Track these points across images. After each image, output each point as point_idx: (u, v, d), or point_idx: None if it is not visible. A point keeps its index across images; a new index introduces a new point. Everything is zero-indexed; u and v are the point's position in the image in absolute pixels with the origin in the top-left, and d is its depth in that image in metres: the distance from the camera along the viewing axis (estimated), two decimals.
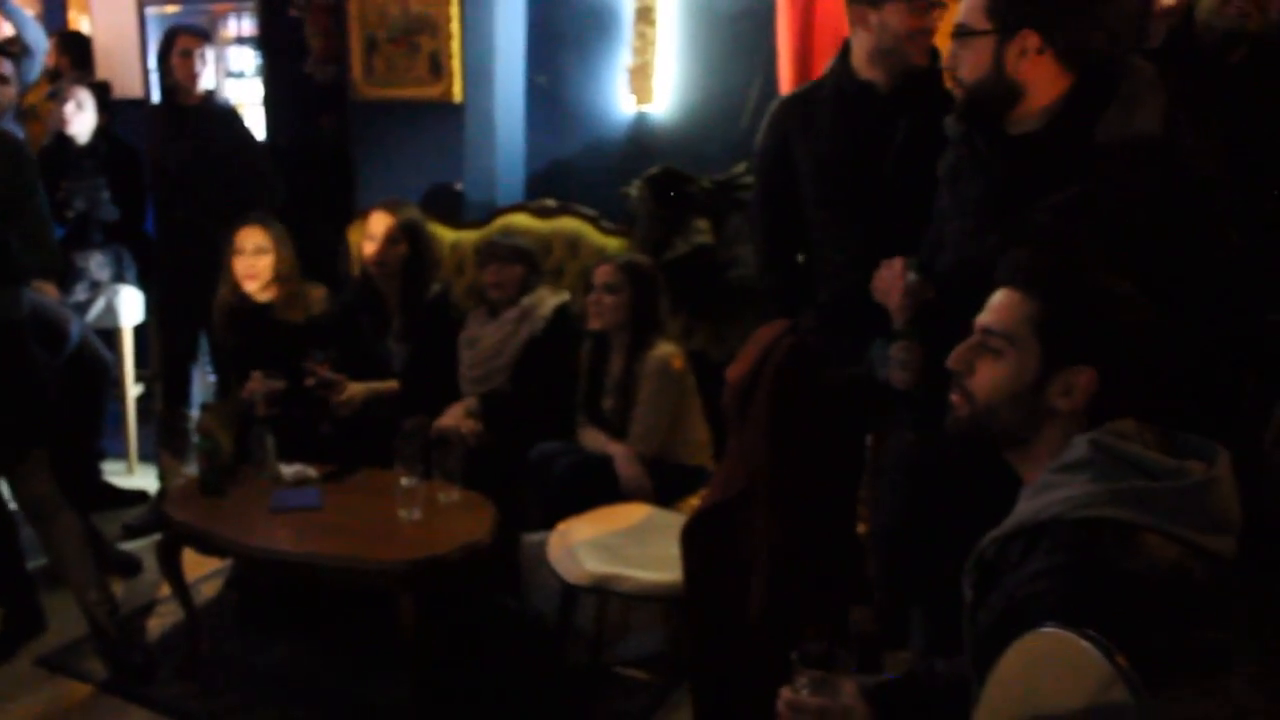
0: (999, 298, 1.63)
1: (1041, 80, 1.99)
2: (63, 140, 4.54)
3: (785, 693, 1.65)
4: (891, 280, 2.19)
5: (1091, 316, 1.55)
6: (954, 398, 1.66)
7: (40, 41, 4.44)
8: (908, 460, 2.24)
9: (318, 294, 3.92)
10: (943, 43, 2.31)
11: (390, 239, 3.77)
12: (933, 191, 2.26)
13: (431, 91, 4.52)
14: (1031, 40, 1.96)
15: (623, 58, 4.31)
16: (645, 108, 4.28)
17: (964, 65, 2.03)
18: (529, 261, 3.75)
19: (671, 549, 2.69)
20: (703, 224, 3.68)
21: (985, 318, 1.63)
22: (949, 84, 2.12)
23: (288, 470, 3.39)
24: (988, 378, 1.61)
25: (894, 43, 2.50)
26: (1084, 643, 1.27)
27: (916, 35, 2.50)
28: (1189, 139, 1.98)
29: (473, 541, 2.97)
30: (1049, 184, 1.97)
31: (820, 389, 2.41)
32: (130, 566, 3.87)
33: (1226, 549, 1.43)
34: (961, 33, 2.03)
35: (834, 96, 2.63)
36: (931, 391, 1.94)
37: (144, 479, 4.71)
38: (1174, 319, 1.83)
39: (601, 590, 2.89)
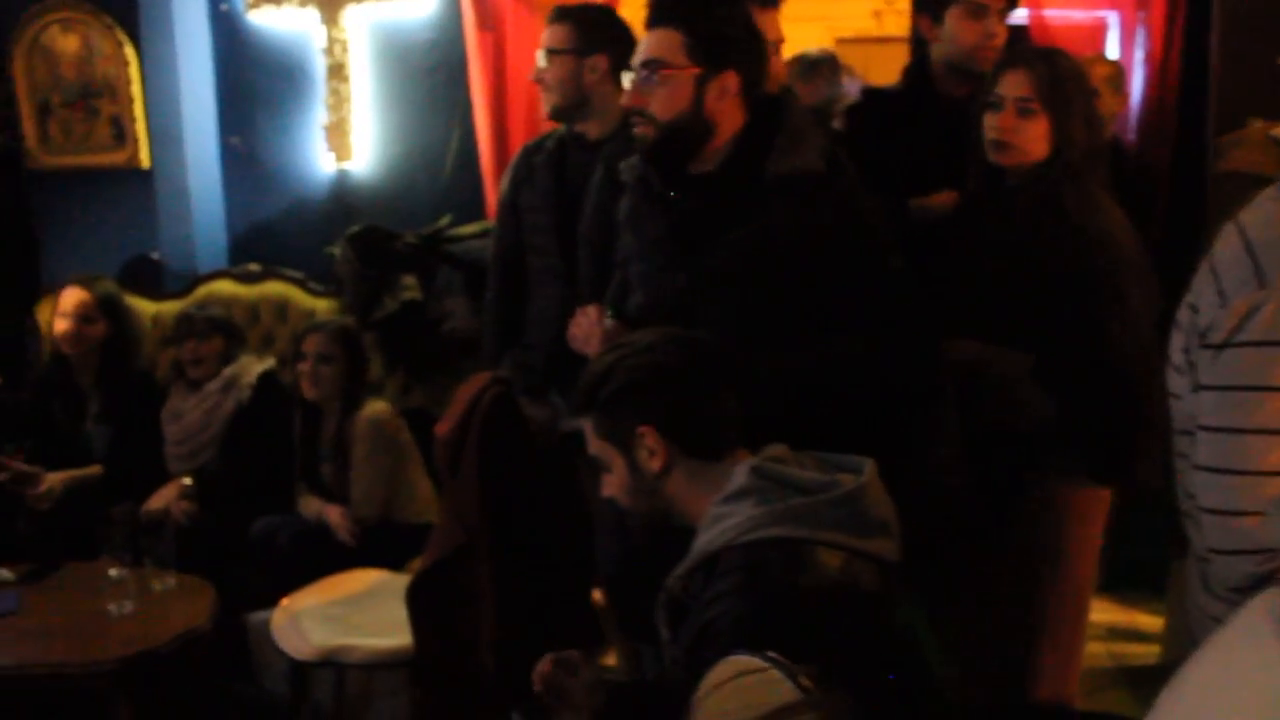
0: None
1: (728, 119, 2.04)
2: None
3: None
4: (588, 327, 2.22)
5: (611, 397, 1.70)
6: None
7: None
8: (615, 506, 2.30)
9: None
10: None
11: (85, 316, 3.59)
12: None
13: (116, 158, 4.32)
14: (732, 81, 2.01)
15: (319, 115, 4.26)
16: (345, 165, 4.24)
17: (657, 102, 2.02)
18: (228, 331, 3.65)
19: (401, 612, 2.65)
20: (410, 280, 3.68)
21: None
22: (637, 123, 2.08)
23: None
24: (613, 492, 1.75)
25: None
26: (766, 664, 1.34)
27: None
28: (849, 173, 2.13)
29: (191, 629, 2.84)
30: (727, 220, 2.05)
31: (528, 436, 2.45)
32: None
33: (887, 550, 1.56)
34: (655, 68, 2.01)
35: (555, 147, 2.71)
36: None
37: None
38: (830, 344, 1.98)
39: (333, 663, 2.82)
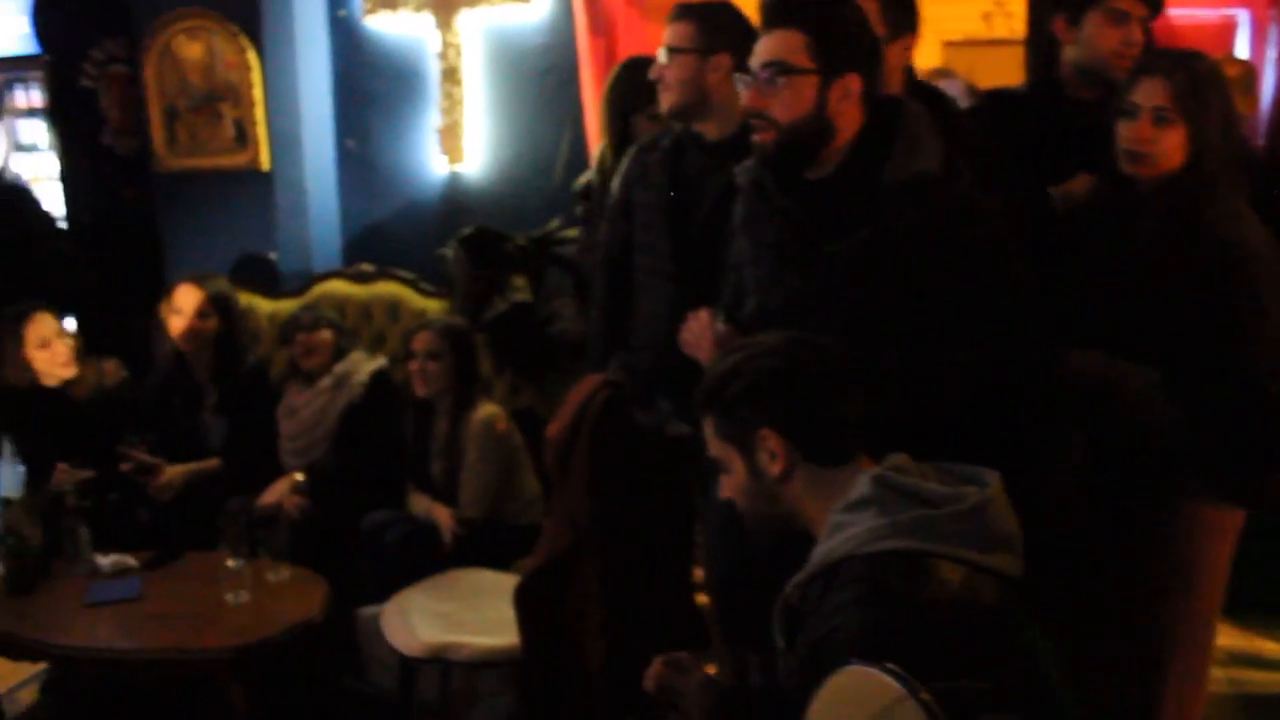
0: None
1: (848, 123, 2.01)
2: None
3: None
4: (700, 331, 2.20)
5: (733, 396, 1.67)
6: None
7: None
8: (728, 513, 2.28)
9: (110, 366, 3.81)
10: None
11: (200, 313, 3.68)
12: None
13: (238, 160, 4.45)
14: (855, 83, 1.98)
15: (432, 118, 4.32)
16: (457, 167, 4.30)
17: (779, 104, 1.99)
18: (335, 326, 3.71)
19: (508, 612, 2.68)
20: (520, 281, 3.70)
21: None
22: (758, 126, 2.04)
23: (104, 561, 3.24)
24: (734, 495, 1.72)
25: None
26: (886, 676, 1.32)
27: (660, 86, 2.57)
28: (967, 177, 2.08)
29: (304, 620, 2.89)
30: (843, 225, 2.02)
31: (638, 440, 2.44)
32: None
33: (1009, 566, 1.52)
34: (778, 70, 1.98)
35: (672, 144, 2.67)
36: None
37: None
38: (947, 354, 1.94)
39: (440, 660, 2.85)
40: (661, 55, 2.58)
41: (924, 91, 2.45)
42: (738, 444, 1.67)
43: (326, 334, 3.66)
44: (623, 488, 2.43)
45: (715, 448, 1.72)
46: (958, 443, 1.74)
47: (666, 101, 2.58)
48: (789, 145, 2.01)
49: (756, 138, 2.05)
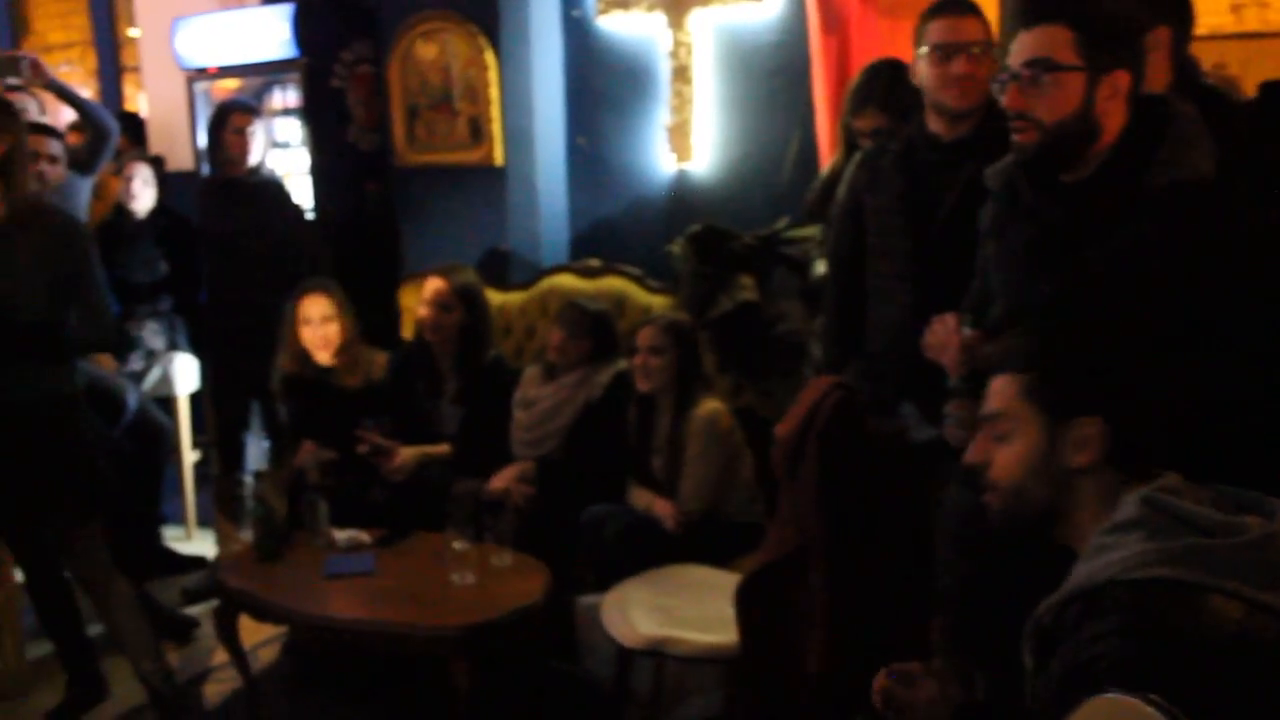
0: (992, 385, 1.62)
1: (1113, 122, 1.93)
2: (121, 214, 4.65)
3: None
4: (945, 336, 2.15)
5: (1076, 366, 1.55)
6: (986, 497, 1.65)
7: (115, 125, 4.62)
8: (964, 520, 2.20)
9: (380, 359, 3.96)
10: None
11: (445, 305, 3.80)
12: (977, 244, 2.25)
13: (473, 156, 4.60)
14: (1123, 80, 1.90)
15: (661, 117, 4.36)
16: (685, 165, 4.32)
17: (1044, 104, 1.92)
18: (600, 336, 3.69)
19: (727, 609, 2.67)
20: (746, 280, 3.69)
21: (984, 407, 1.63)
22: (1019, 128, 1.97)
23: (341, 536, 3.41)
24: (1005, 463, 1.60)
25: (929, 92, 2.50)
26: (1149, 708, 1.24)
27: (946, 82, 2.46)
28: (1243, 182, 1.95)
29: (526, 605, 2.97)
30: (1100, 229, 1.93)
31: (870, 445, 2.39)
32: (187, 628, 3.91)
33: None
34: (1044, 68, 1.91)
35: (902, 147, 2.62)
36: None
37: (202, 544, 4.77)
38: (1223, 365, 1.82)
39: (657, 653, 2.87)
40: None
41: (1199, 90, 2.30)
42: (1051, 414, 1.55)
43: (586, 344, 3.66)
44: (852, 492, 2.39)
45: (1011, 406, 1.58)
46: (1222, 465, 1.63)
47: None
48: (1052, 146, 1.94)
49: (1017, 138, 1.97)
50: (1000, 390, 1.61)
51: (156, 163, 5.06)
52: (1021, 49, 1.95)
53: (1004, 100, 1.98)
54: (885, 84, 3.05)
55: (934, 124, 2.55)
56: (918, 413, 2.35)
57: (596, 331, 3.69)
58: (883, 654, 2.41)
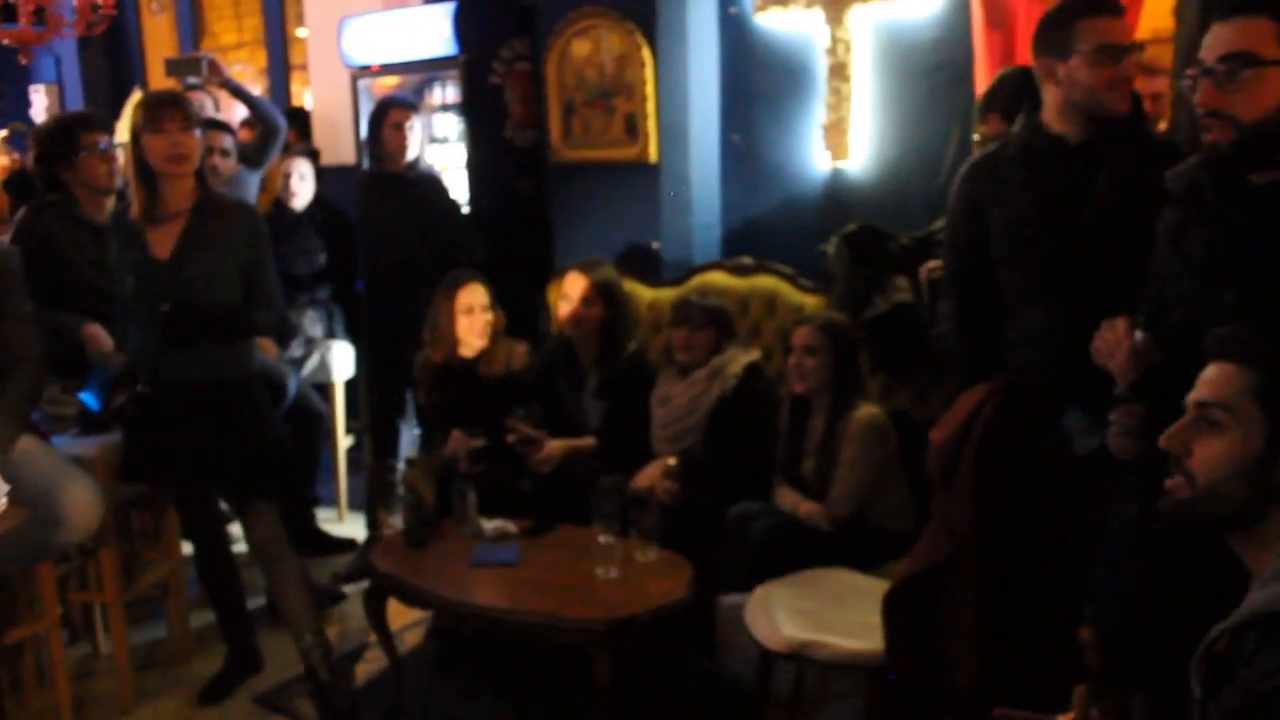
0: (1212, 372, 1.53)
1: None
2: (281, 207, 4.83)
3: None
4: (1115, 341, 2.06)
5: None
6: (1171, 481, 1.56)
7: (283, 122, 4.83)
8: (1131, 537, 2.10)
9: (520, 350, 4.02)
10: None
11: (585, 299, 3.84)
12: (1137, 247, 2.14)
13: (628, 152, 4.61)
14: None
15: (817, 114, 4.30)
16: (841, 164, 4.26)
17: (1242, 101, 1.83)
18: (721, 324, 3.72)
19: (872, 616, 2.62)
20: (902, 282, 3.60)
21: (1200, 392, 1.54)
22: (1212, 126, 1.87)
23: (488, 525, 3.46)
24: (1209, 455, 1.51)
25: (1085, 95, 2.36)
26: None
27: (1114, 84, 2.34)
28: None
29: (670, 602, 2.96)
30: None
31: (1029, 455, 2.30)
32: (335, 598, 4.08)
33: None
34: (1243, 62, 1.82)
35: (1021, 154, 2.49)
36: (1157, 460, 1.83)
37: (353, 527, 4.92)
38: None
39: (800, 657, 2.83)
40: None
41: None
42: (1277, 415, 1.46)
43: (710, 333, 3.68)
44: (1009, 501, 2.31)
45: (1235, 400, 1.50)
46: None
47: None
48: (1249, 146, 1.83)
49: (1209, 137, 1.87)
50: (1225, 380, 1.52)
51: (313, 155, 5.25)
52: (1217, 42, 1.85)
53: (1196, 98, 1.88)
54: (1010, 91, 2.98)
55: (1063, 126, 2.42)
56: (1085, 420, 2.24)
57: (716, 321, 3.70)
58: (1034, 672, 2.32)
